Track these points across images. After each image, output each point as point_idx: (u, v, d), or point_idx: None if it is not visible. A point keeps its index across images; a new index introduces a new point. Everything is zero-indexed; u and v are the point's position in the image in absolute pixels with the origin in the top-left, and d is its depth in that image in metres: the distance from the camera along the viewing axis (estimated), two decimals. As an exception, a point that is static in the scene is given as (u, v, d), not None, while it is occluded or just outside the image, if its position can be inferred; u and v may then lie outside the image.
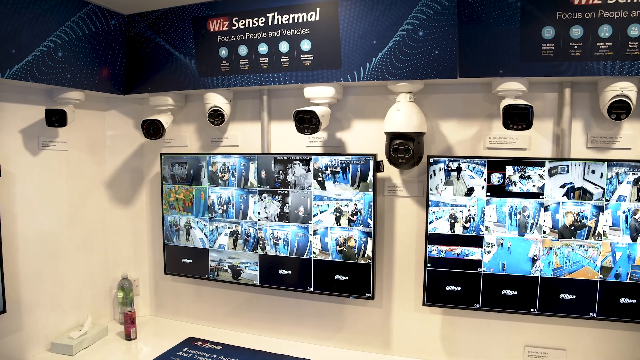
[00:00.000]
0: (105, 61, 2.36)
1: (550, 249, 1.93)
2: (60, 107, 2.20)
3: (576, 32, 1.77)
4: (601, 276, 1.89)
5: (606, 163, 1.86)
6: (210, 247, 2.47)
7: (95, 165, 2.64)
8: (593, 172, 1.87)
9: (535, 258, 1.95)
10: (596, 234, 1.89)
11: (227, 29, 2.21)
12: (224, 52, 2.25)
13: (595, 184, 1.88)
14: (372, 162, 2.12)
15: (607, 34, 1.74)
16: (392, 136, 2.03)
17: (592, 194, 1.88)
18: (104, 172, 2.69)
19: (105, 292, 2.72)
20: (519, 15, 1.81)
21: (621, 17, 1.71)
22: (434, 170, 2.05)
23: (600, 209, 1.88)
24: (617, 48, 1.74)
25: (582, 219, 1.89)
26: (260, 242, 2.35)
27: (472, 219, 2.01)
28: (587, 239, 1.90)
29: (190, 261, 2.53)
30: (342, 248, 2.20)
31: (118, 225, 2.75)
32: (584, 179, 1.89)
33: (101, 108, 2.65)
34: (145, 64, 2.43)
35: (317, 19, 2.05)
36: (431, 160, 2.05)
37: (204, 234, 2.47)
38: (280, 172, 2.27)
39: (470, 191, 2.01)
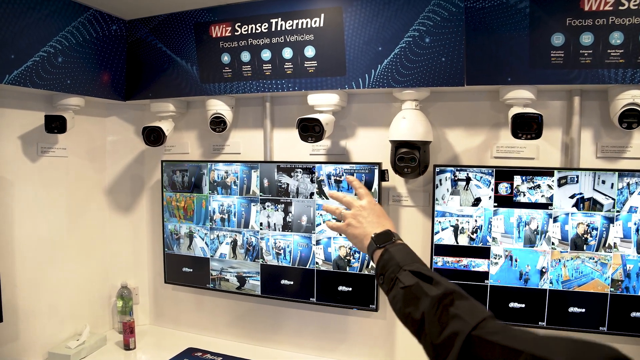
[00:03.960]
0: (106, 67, 2.33)
1: (559, 260, 1.89)
2: (60, 113, 2.17)
3: (586, 39, 1.73)
4: (612, 289, 1.84)
5: (617, 173, 1.81)
6: (211, 256, 2.42)
7: (95, 172, 2.60)
8: (603, 182, 1.83)
9: (544, 270, 1.91)
10: (606, 245, 1.84)
11: (230, 34, 2.18)
12: (226, 58, 2.21)
13: (605, 195, 1.83)
14: (376, 171, 2.07)
15: (619, 41, 1.70)
16: (397, 145, 1.99)
17: (602, 205, 1.83)
18: (104, 179, 2.66)
19: (104, 300, 2.68)
20: (527, 22, 1.77)
21: (633, 23, 1.67)
22: (440, 180, 2.00)
23: (610, 220, 1.83)
24: (629, 55, 1.70)
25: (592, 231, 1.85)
26: (262, 252, 2.31)
27: (479, 230, 1.97)
28: (597, 250, 1.85)
29: (191, 270, 2.49)
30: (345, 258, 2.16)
31: (118, 233, 2.70)
32: (594, 189, 1.84)
33: (101, 114, 2.62)
34: (146, 70, 2.40)
35: (322, 25, 2.01)
36: (437, 169, 2.00)
37: (205, 242, 2.43)
38: (283, 180, 2.23)
39: (477, 201, 1.96)
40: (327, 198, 2.16)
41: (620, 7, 1.67)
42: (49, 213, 2.34)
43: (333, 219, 1.51)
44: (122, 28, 2.36)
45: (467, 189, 1.97)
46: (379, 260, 1.09)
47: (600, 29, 1.71)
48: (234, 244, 2.36)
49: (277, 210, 2.26)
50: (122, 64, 2.40)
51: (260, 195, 2.29)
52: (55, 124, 2.15)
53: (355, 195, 1.28)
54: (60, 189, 2.39)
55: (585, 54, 1.74)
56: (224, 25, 2.18)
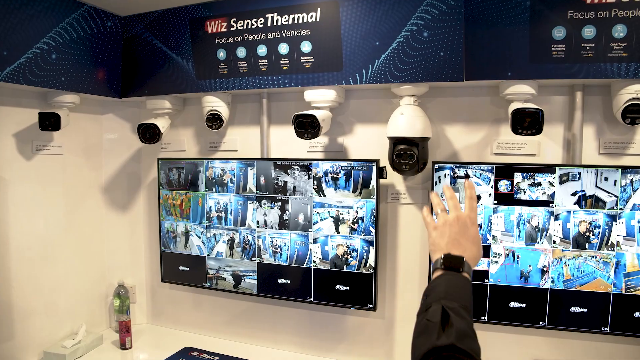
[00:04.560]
0: (101, 64, 2.30)
1: (561, 259, 1.84)
2: (54, 111, 2.14)
3: (588, 32, 1.68)
4: (614, 289, 1.80)
5: (620, 170, 1.77)
6: (208, 254, 2.39)
7: (92, 170, 2.58)
8: (606, 179, 1.78)
9: (545, 269, 1.87)
10: (609, 244, 1.79)
11: (225, 30, 2.14)
12: (222, 54, 2.18)
13: (608, 192, 1.79)
14: (374, 168, 2.04)
15: (622, 34, 1.65)
16: (395, 141, 1.95)
17: (604, 202, 1.79)
18: (100, 177, 2.63)
19: (100, 299, 2.66)
20: (528, 15, 1.73)
21: (636, 16, 1.62)
22: (439, 177, 1.96)
23: (613, 217, 1.78)
24: (632, 49, 1.65)
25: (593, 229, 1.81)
26: (259, 250, 2.28)
27: (479, 228, 1.93)
28: (599, 249, 1.80)
29: (187, 269, 2.46)
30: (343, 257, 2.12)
31: (114, 231, 2.68)
32: (596, 186, 1.80)
33: (98, 111, 2.59)
34: (142, 67, 2.37)
35: (318, 19, 1.98)
36: (436, 166, 1.97)
37: (202, 241, 2.40)
38: (280, 178, 2.20)
39: (476, 199, 1.92)
40: (324, 196, 2.12)
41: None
42: (45, 211, 2.32)
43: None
44: (117, 24, 2.33)
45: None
46: (432, 281, 1.07)
47: (602, 22, 1.66)
48: (231, 242, 2.33)
49: (274, 208, 2.22)
50: (118, 60, 2.37)
51: (257, 193, 2.26)
52: (49, 122, 2.13)
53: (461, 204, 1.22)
54: (56, 187, 2.37)
55: (588, 48, 1.70)
56: (220, 21, 2.15)
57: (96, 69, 2.28)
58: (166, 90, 2.36)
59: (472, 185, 1.24)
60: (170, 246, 2.49)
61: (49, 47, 2.03)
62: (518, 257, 1.89)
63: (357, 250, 2.10)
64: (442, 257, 1.10)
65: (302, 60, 2.05)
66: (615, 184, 1.77)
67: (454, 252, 1.10)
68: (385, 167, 2.05)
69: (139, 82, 2.39)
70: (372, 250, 2.07)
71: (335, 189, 2.11)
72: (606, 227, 1.80)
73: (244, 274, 2.32)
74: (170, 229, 2.47)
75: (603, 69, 1.70)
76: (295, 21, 2.01)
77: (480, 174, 1.91)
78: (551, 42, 1.72)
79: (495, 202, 1.90)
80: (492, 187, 1.90)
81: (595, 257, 1.81)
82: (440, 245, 1.14)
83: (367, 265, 2.08)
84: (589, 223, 1.81)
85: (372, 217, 2.06)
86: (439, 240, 1.15)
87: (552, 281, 1.85)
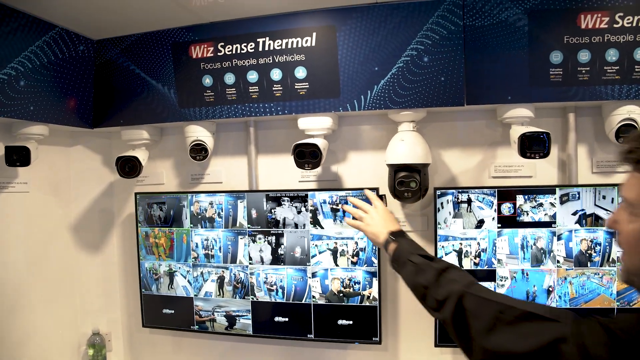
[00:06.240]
0: (72, 91, 2.11)
1: (565, 278, 1.85)
2: (22, 144, 1.94)
3: (584, 56, 1.73)
4: (618, 304, 1.82)
5: (616, 188, 1.81)
6: (195, 295, 2.22)
7: (60, 208, 2.35)
8: (604, 197, 1.82)
9: (551, 289, 1.87)
10: (610, 260, 1.83)
11: (212, 55, 2.04)
12: (207, 80, 2.07)
13: (607, 210, 1.83)
14: (374, 196, 1.98)
15: (614, 57, 1.72)
16: (396, 168, 1.90)
17: (604, 220, 1.82)
18: (69, 215, 2.40)
19: (72, 350, 2.39)
20: (526, 40, 1.76)
21: (627, 40, 1.70)
22: (442, 203, 1.93)
23: (613, 234, 1.82)
24: (624, 72, 1.72)
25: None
26: (252, 288, 2.14)
27: (483, 252, 1.91)
28: (601, 266, 1.83)
29: (172, 312, 2.27)
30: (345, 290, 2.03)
31: (87, 274, 2.44)
32: (595, 204, 1.83)
33: (66, 143, 2.38)
34: (117, 94, 2.20)
35: (314, 44, 1.92)
36: (438, 192, 1.94)
37: (188, 280, 2.23)
38: (273, 210, 2.09)
39: (480, 223, 1.91)
40: (322, 227, 2.04)
41: (615, 25, 1.70)
42: (9, 255, 2.08)
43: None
44: (90, 49, 2.16)
45: (469, 211, 1.91)
46: (395, 250, 1.37)
47: (596, 46, 1.72)
48: (220, 281, 2.17)
49: (267, 243, 2.10)
50: (90, 87, 2.19)
51: (249, 228, 2.13)
52: (17, 156, 1.92)
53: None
54: (20, 227, 2.13)
55: (583, 71, 1.75)
56: (206, 45, 2.04)
57: (67, 97, 2.09)
58: (145, 119, 2.20)
59: (369, 191, 1.67)
60: (152, 288, 2.29)
61: (17, 73, 1.84)
62: (527, 275, 1.88)
63: (359, 282, 2.01)
64: (389, 233, 1.42)
65: (296, 87, 1.97)
66: (612, 202, 1.82)
67: (392, 229, 1.43)
68: (385, 195, 1.98)
69: (114, 111, 2.22)
70: (375, 282, 2.00)
71: (334, 220, 2.03)
72: (606, 244, 1.83)
73: (237, 314, 2.17)
74: (152, 269, 2.28)
75: (597, 92, 1.75)
76: (289, 46, 1.95)
77: (483, 198, 1.90)
78: (549, 66, 1.77)
79: (499, 225, 1.89)
80: (495, 210, 1.89)
81: (598, 274, 1.83)
82: (379, 230, 1.45)
83: (371, 297, 2.00)
84: (590, 241, 1.84)
85: (373, 248, 1.99)
86: (376, 229, 1.46)
87: (559, 297, 1.85)
